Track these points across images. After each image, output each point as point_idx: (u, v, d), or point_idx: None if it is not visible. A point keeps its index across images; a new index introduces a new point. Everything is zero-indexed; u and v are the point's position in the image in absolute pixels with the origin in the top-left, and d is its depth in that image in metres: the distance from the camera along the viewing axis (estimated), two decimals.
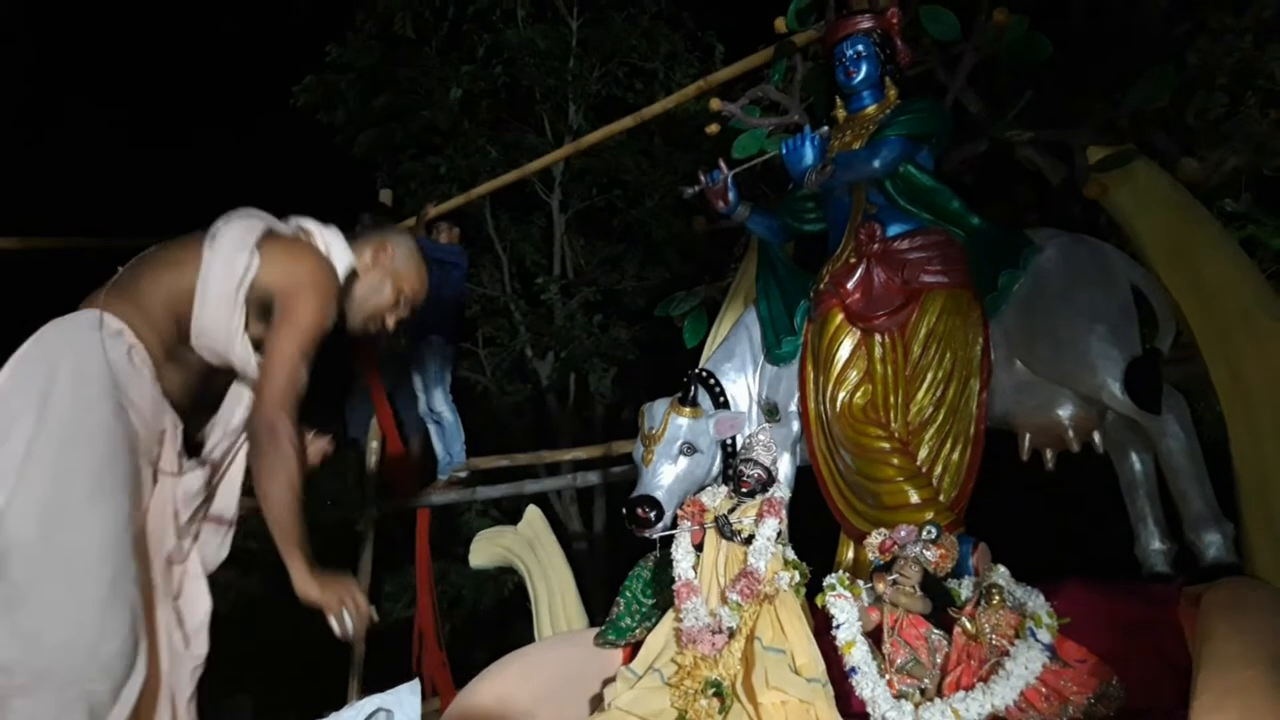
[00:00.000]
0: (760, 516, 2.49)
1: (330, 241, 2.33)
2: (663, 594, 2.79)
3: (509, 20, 8.77)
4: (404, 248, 2.44)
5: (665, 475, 2.99)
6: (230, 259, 2.13)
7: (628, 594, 2.94)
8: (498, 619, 8.26)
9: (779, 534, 2.48)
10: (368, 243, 2.40)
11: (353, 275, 2.35)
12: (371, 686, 2.26)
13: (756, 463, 2.58)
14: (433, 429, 5.68)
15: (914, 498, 2.77)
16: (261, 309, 2.17)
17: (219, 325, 2.14)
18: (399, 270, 2.41)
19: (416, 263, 2.45)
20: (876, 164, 2.99)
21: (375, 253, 2.39)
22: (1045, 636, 2.16)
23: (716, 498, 2.66)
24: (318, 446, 2.47)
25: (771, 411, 3.19)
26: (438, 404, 5.58)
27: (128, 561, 1.93)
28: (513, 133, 9.01)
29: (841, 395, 2.97)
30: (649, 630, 2.63)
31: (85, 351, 1.98)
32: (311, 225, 2.36)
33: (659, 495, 2.93)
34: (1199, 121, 4.21)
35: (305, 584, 2.04)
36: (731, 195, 3.34)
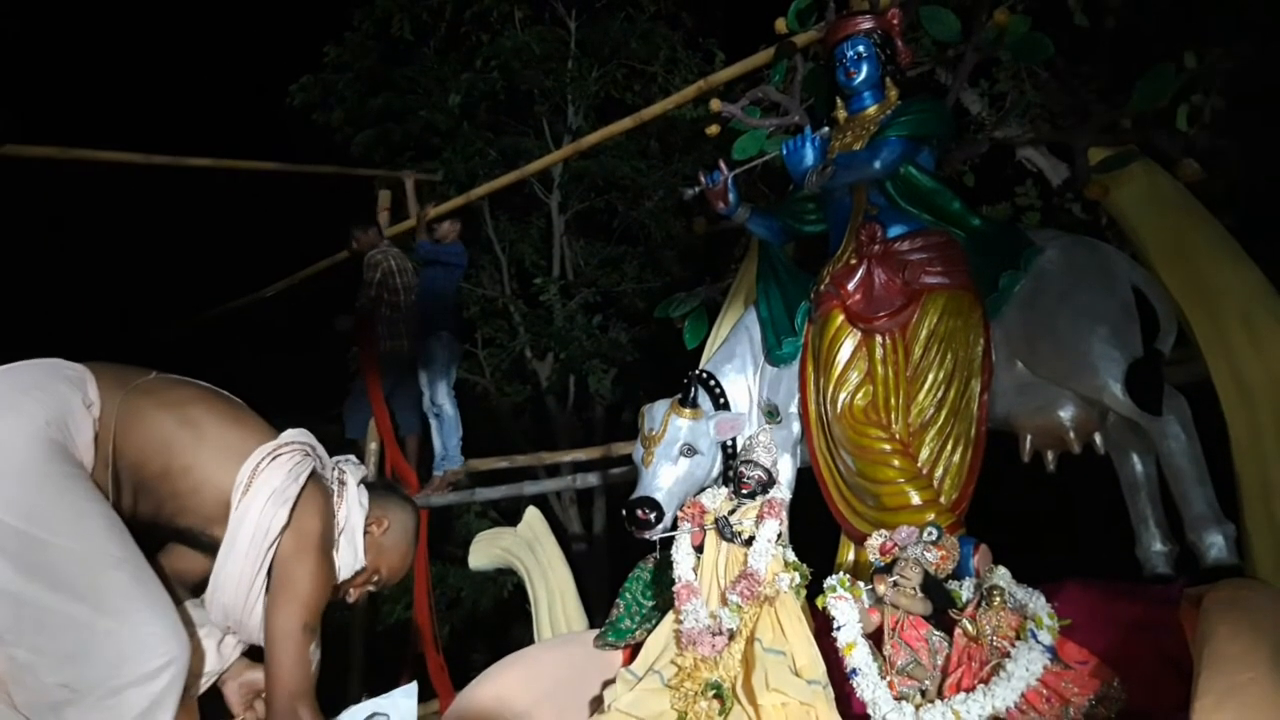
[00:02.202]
0: (760, 518, 2.48)
1: (353, 505, 2.18)
2: (663, 595, 2.79)
3: (506, 22, 8.76)
4: (400, 525, 2.29)
5: (665, 477, 2.98)
6: (264, 511, 1.95)
7: (627, 595, 2.94)
8: (497, 621, 8.24)
9: (779, 535, 2.48)
10: (369, 510, 2.24)
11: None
12: (371, 688, 2.23)
13: (757, 464, 2.57)
14: (433, 423, 5.70)
15: (915, 499, 2.77)
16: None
17: (241, 582, 1.95)
18: (386, 548, 2.26)
19: (406, 545, 2.32)
20: (877, 165, 2.99)
21: (370, 525, 2.22)
22: (1046, 638, 2.16)
23: (717, 499, 2.65)
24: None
25: (772, 413, 3.19)
26: (440, 397, 5.60)
27: (128, 539, 1.87)
28: (511, 135, 9.01)
29: (842, 396, 2.96)
30: (649, 632, 2.62)
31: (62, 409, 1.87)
32: (350, 477, 2.21)
33: (659, 497, 2.93)
34: (1191, 126, 4.21)
35: None
36: (731, 196, 3.33)
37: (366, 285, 5.77)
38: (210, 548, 2.03)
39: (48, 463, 1.81)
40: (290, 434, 2.12)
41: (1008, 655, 2.16)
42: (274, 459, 2.01)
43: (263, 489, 1.97)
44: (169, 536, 2.07)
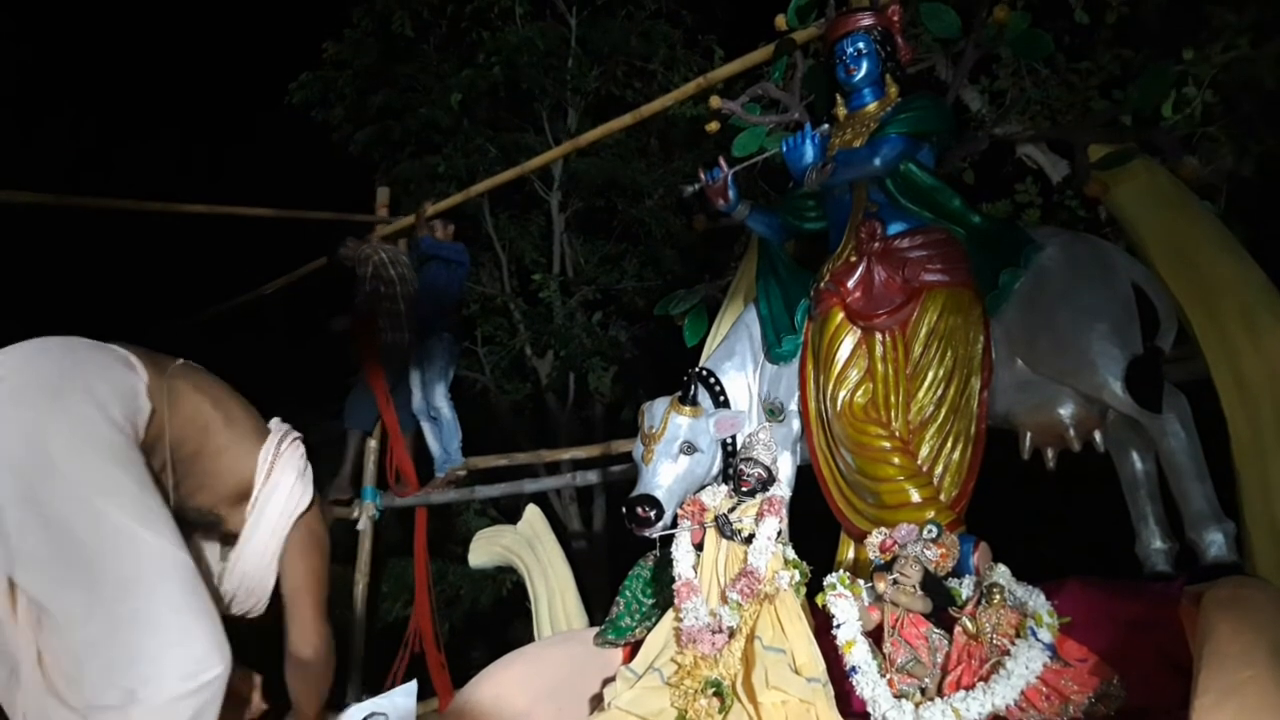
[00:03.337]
0: (760, 515, 2.48)
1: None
2: (663, 593, 2.79)
3: (507, 18, 8.74)
4: None
5: (665, 474, 2.98)
6: (294, 489, 2.10)
7: (627, 593, 2.94)
8: (497, 618, 8.25)
9: (779, 533, 2.48)
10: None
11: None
12: (371, 687, 2.25)
13: (757, 462, 2.57)
14: (428, 426, 5.63)
15: (915, 496, 2.77)
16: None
17: (266, 552, 2.09)
18: None
19: None
20: (877, 162, 2.99)
21: None
22: (1046, 636, 2.16)
23: (717, 497, 2.65)
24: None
25: (774, 410, 3.19)
26: (437, 399, 5.54)
27: (182, 544, 1.85)
28: (511, 132, 9.00)
29: (842, 394, 2.96)
30: (649, 630, 2.63)
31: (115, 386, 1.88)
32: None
33: (659, 494, 2.93)
34: (1176, 113, 4.18)
35: None
36: (731, 193, 3.33)
37: (361, 282, 5.76)
38: (210, 525, 2.10)
39: (116, 452, 1.81)
40: (279, 422, 2.22)
41: (1007, 653, 2.16)
42: (291, 441, 2.15)
43: (288, 469, 2.09)
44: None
